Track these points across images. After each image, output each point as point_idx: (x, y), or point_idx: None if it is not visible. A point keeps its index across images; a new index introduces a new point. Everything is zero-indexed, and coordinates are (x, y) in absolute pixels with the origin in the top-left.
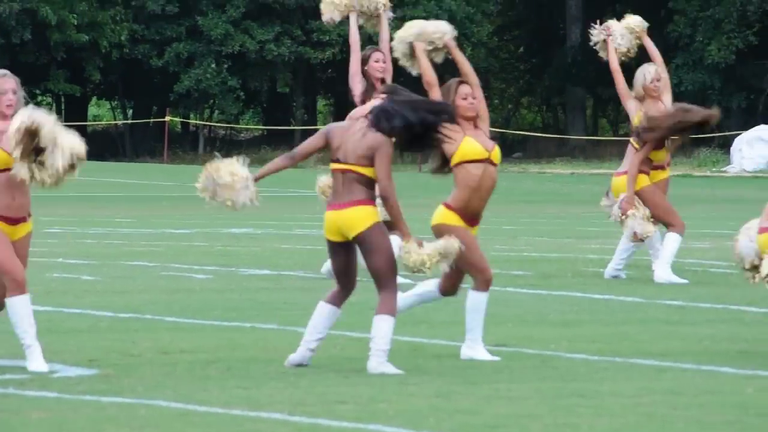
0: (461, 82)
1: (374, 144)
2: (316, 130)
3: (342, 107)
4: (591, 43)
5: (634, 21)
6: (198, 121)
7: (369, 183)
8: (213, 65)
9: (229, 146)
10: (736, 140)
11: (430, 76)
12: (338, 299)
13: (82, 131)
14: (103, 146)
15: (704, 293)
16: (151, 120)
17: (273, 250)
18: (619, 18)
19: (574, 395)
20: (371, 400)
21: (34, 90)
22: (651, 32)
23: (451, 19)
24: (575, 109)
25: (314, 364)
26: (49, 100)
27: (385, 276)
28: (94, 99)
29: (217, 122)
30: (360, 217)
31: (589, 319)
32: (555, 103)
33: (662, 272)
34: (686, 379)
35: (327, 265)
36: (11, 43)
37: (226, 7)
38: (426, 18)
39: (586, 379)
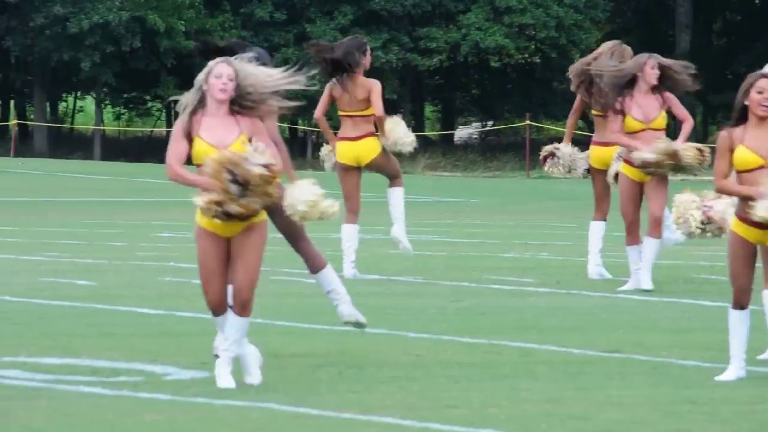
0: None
1: None
2: (424, 136)
3: (449, 114)
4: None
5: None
6: (306, 127)
7: None
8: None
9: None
10: None
11: None
12: None
13: None
14: None
15: None
16: None
17: (382, 255)
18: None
19: (687, 402)
20: (482, 404)
21: (144, 96)
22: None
23: (560, 26)
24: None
25: (425, 368)
26: (159, 105)
27: None
28: None
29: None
30: None
31: (700, 326)
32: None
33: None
34: None
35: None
36: (122, 50)
37: (334, 14)
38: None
39: (698, 385)
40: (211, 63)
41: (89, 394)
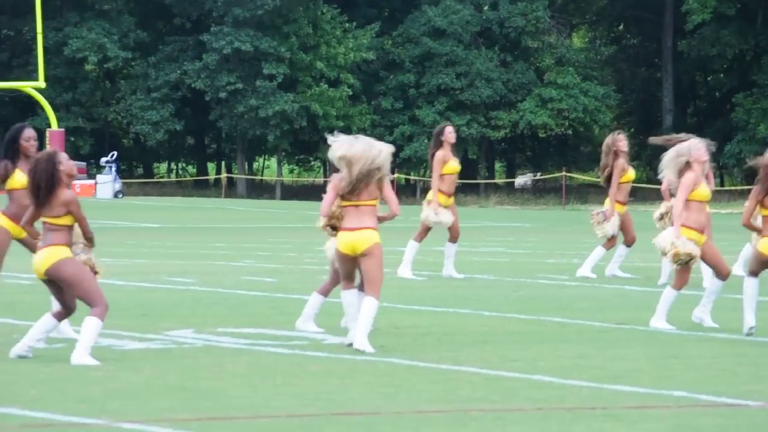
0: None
1: None
2: (495, 183)
3: (511, 168)
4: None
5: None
6: (416, 177)
7: None
8: (426, 141)
9: None
10: None
11: None
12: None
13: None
14: None
15: None
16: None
17: (465, 262)
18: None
19: (671, 357)
20: (533, 359)
21: (309, 157)
22: (718, 120)
23: (585, 110)
24: None
25: (495, 335)
26: (319, 164)
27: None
28: None
29: (428, 177)
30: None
31: (680, 306)
32: (654, 166)
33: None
34: None
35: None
36: (294, 128)
37: (434, 103)
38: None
39: (679, 347)
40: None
41: (273, 353)
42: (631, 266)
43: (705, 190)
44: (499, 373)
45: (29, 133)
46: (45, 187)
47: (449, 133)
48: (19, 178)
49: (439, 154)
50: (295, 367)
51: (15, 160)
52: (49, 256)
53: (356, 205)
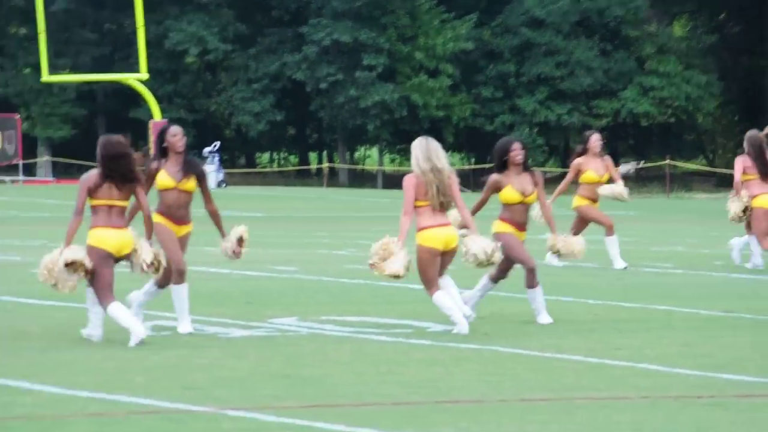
0: None
1: None
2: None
3: (614, 156)
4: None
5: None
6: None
7: None
8: (527, 130)
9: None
10: None
11: None
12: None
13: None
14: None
15: None
16: (487, 165)
17: None
18: None
19: None
20: (639, 347)
21: (409, 147)
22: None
23: (687, 99)
24: None
25: (600, 323)
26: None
27: None
28: (450, 152)
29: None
30: None
31: None
32: None
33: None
34: None
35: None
36: (394, 117)
37: (534, 92)
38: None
39: None
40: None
41: (377, 341)
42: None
43: None
44: (603, 361)
45: (175, 129)
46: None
47: (594, 142)
48: (162, 178)
49: (578, 160)
50: (400, 354)
51: (162, 157)
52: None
53: (431, 206)
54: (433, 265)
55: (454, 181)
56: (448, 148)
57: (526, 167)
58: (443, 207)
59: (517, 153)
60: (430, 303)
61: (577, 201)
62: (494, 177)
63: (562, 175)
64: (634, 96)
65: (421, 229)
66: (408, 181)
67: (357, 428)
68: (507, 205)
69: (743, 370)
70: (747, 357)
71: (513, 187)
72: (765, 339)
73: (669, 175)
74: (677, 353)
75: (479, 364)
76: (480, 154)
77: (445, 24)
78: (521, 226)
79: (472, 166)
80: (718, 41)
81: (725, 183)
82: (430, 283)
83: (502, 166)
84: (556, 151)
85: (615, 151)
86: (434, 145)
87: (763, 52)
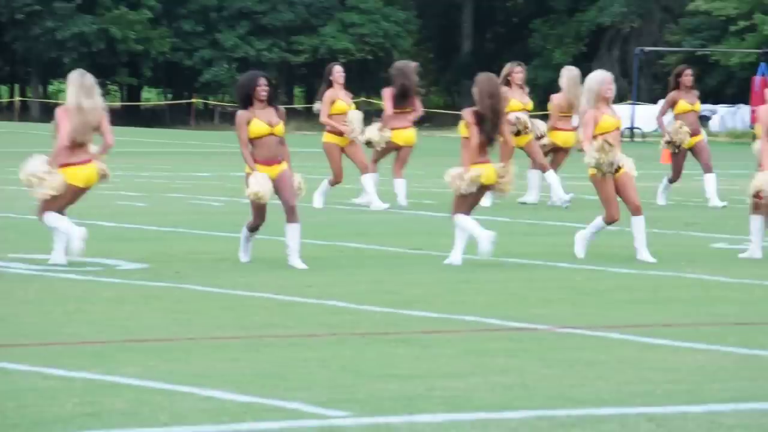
0: None
1: None
2: (293, 109)
3: (312, 93)
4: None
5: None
6: (214, 102)
7: None
8: (225, 65)
9: (233, 118)
10: None
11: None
12: None
13: (137, 110)
14: (152, 119)
15: None
16: (184, 101)
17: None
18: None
19: None
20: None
21: (106, 81)
22: (515, 45)
23: (386, 35)
24: (467, 95)
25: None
26: (116, 88)
27: None
28: (146, 87)
29: (227, 103)
30: None
31: None
32: (453, 90)
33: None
34: None
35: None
36: (91, 51)
37: (235, 27)
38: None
39: None
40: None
41: (66, 279)
42: (427, 192)
43: None
44: (294, 298)
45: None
46: None
47: (337, 73)
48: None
49: (328, 93)
50: (88, 293)
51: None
52: None
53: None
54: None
55: (105, 118)
56: (146, 82)
57: (270, 102)
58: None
59: (262, 89)
60: (121, 241)
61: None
62: (241, 113)
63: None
64: (333, 32)
65: (63, 166)
66: (60, 113)
67: (41, 368)
68: (255, 139)
69: (429, 307)
70: (433, 293)
71: (260, 119)
72: (450, 276)
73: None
74: (365, 290)
75: (169, 303)
76: (177, 89)
77: None
78: (270, 161)
79: (169, 102)
80: None
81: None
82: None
83: (247, 101)
84: None
85: (312, 88)
86: (89, 82)
87: None
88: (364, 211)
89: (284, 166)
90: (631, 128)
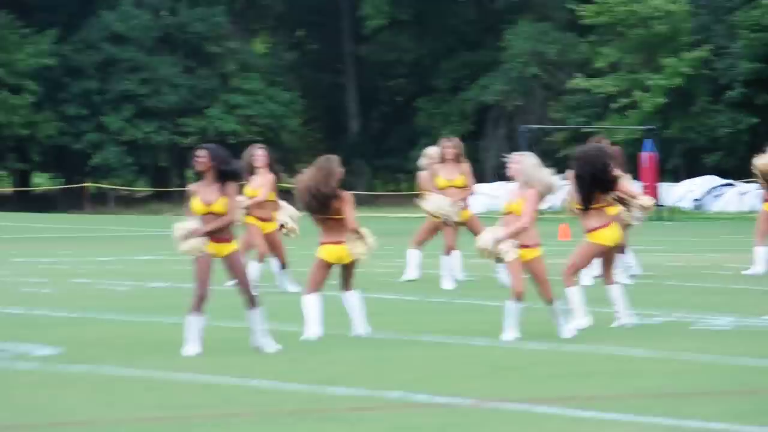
0: None
1: None
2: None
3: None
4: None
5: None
6: (108, 186)
7: None
8: (114, 149)
9: (129, 202)
10: None
11: None
12: None
13: (28, 195)
14: (45, 204)
15: None
16: (75, 185)
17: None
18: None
19: None
20: None
21: None
22: (402, 124)
23: (273, 116)
24: (358, 174)
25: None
26: (6, 173)
27: None
28: (36, 173)
29: (120, 186)
30: None
31: None
32: (345, 170)
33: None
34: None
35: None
36: None
37: (120, 110)
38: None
39: None
40: None
41: None
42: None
43: None
44: (216, 378)
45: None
46: None
47: (253, 156)
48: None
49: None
50: (4, 379)
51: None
52: None
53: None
54: None
55: None
56: (35, 167)
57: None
58: None
59: (198, 161)
60: (32, 327)
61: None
62: (190, 187)
63: (156, 194)
64: (219, 114)
65: None
66: None
67: None
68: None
69: (353, 383)
70: (355, 371)
71: (199, 197)
72: (370, 353)
73: None
74: (287, 369)
75: (90, 385)
76: (68, 173)
77: (25, 39)
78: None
79: (61, 186)
80: (299, 58)
81: None
82: None
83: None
84: (145, 169)
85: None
86: None
87: (343, 70)
88: (281, 293)
89: (234, 246)
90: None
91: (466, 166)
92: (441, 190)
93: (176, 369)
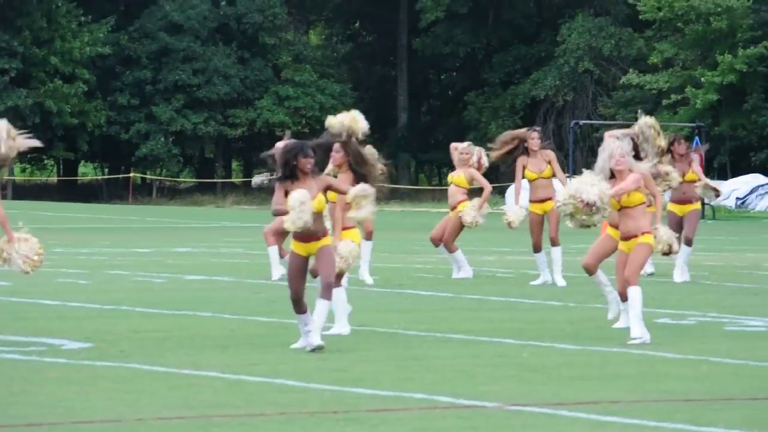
0: None
1: None
2: (231, 183)
3: (249, 167)
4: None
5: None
6: (152, 176)
7: None
8: (162, 139)
9: (172, 193)
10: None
11: None
12: None
13: (73, 185)
14: (89, 194)
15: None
16: (120, 176)
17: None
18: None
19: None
20: None
21: (42, 156)
22: (451, 118)
23: (321, 108)
24: (403, 167)
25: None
26: (52, 162)
27: None
28: (82, 162)
29: (164, 177)
30: None
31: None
32: (391, 163)
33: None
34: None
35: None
36: (26, 125)
37: (171, 100)
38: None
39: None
40: None
41: (9, 359)
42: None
43: None
44: (240, 377)
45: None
46: None
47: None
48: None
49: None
50: (33, 373)
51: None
52: None
53: None
54: None
55: None
56: (82, 157)
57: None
58: None
59: (307, 161)
60: (64, 320)
61: None
62: (278, 183)
63: (200, 186)
64: (269, 105)
65: None
66: None
67: None
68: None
69: (378, 385)
70: (381, 371)
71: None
72: (398, 352)
73: None
74: (313, 368)
75: (115, 382)
76: (114, 163)
77: (82, 27)
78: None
79: (106, 176)
80: (353, 50)
81: None
82: None
83: (293, 173)
84: (191, 160)
85: (249, 161)
86: None
87: (395, 63)
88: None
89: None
90: None
91: (551, 155)
92: (531, 182)
93: (202, 367)
